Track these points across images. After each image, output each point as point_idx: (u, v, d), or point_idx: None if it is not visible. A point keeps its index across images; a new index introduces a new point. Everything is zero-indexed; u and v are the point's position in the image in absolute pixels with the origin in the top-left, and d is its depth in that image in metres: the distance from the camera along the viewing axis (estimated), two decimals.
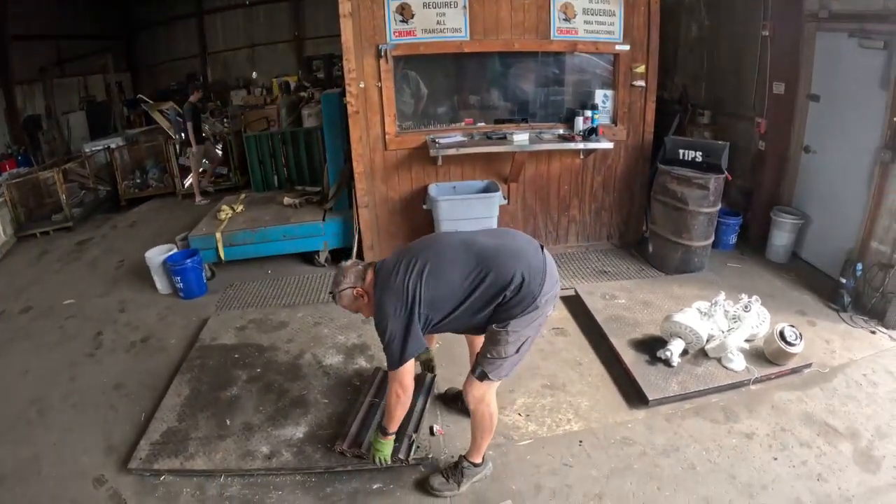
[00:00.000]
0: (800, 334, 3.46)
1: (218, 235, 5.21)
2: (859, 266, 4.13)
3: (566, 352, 3.84)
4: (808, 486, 2.78)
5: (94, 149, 8.16)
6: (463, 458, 2.84)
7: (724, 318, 3.64)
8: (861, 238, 4.22)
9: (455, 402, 3.35)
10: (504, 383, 3.43)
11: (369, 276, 2.60)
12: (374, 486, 2.95)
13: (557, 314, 4.22)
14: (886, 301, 3.99)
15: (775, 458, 2.94)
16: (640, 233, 5.28)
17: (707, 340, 3.52)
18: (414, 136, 4.81)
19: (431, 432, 3.21)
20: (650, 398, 3.26)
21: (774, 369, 3.49)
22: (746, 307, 3.63)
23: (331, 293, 2.71)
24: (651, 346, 3.62)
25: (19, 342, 4.74)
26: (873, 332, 3.95)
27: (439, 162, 4.75)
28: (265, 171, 6.68)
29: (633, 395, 3.39)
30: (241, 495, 3.00)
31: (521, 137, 4.52)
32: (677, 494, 2.76)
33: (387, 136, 4.76)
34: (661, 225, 4.78)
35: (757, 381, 3.42)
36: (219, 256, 5.28)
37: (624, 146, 4.96)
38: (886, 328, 3.96)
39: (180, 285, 5.00)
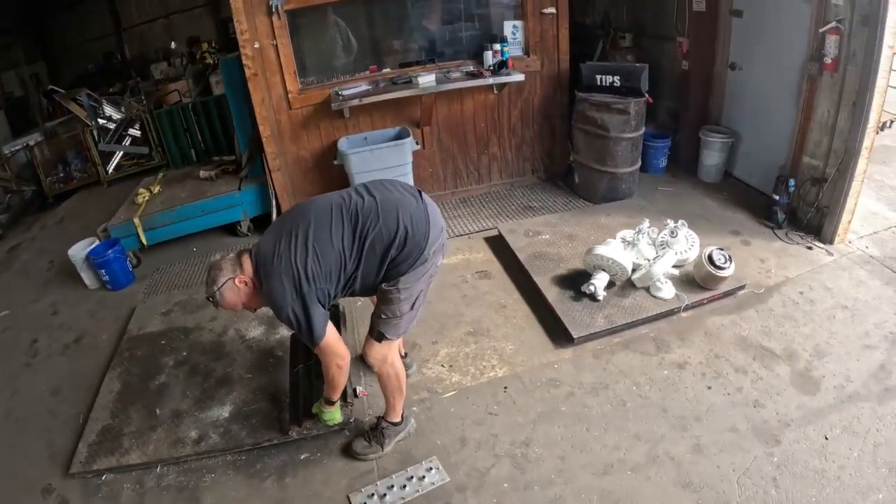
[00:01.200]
0: (729, 256, 3.42)
1: (136, 221, 5.05)
2: (792, 182, 4.10)
3: (490, 295, 3.78)
4: (744, 413, 2.77)
5: (13, 149, 7.77)
6: (381, 419, 2.83)
7: (651, 245, 3.60)
8: (792, 153, 4.19)
9: None
10: (426, 335, 3.45)
11: (246, 262, 2.39)
12: (302, 457, 2.95)
13: (482, 256, 4.18)
14: (822, 215, 3.98)
15: (709, 387, 2.92)
16: (566, 164, 5.17)
17: (633, 270, 3.48)
18: (318, 92, 4.63)
19: (355, 394, 3.15)
20: (575, 336, 3.21)
21: (706, 294, 3.45)
22: (673, 232, 3.57)
23: (209, 297, 2.45)
24: (576, 282, 3.55)
25: None
26: (810, 248, 3.94)
27: (347, 115, 4.60)
28: (181, 145, 6.42)
29: (559, 333, 3.33)
30: (178, 483, 3.01)
31: (426, 79, 4.35)
32: (607, 434, 2.74)
33: (290, 95, 4.58)
34: (584, 154, 4.70)
35: (688, 308, 3.39)
36: (141, 242, 5.14)
37: (539, 77, 4.81)
38: (823, 243, 3.96)
39: (106, 278, 4.88)
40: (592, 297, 3.42)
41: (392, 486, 2.66)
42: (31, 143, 7.59)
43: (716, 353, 3.11)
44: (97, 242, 5.03)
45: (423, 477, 2.67)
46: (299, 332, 2.36)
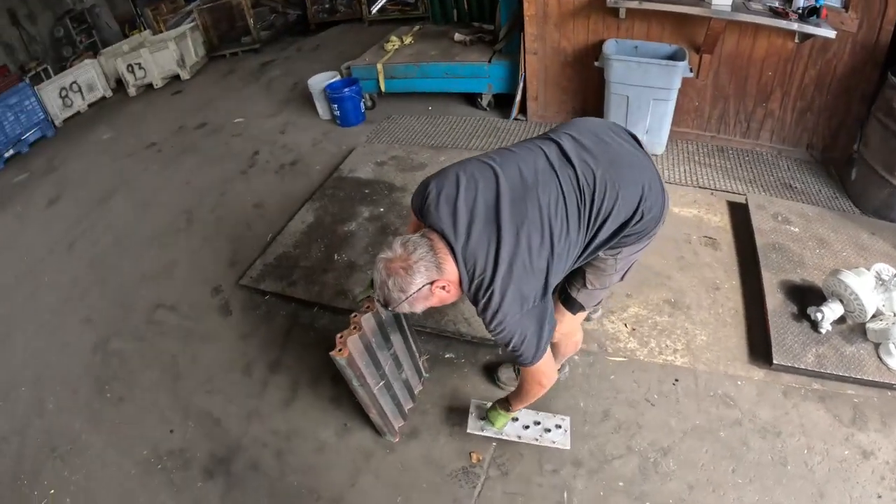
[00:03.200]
0: None
1: (379, 66, 5.11)
2: None
3: (708, 269, 3.23)
4: None
5: None
6: None
7: None
8: None
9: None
10: (623, 285, 2.98)
11: (447, 260, 1.68)
12: (447, 356, 2.91)
13: (717, 220, 3.56)
14: None
15: (880, 496, 2.26)
16: (849, 152, 4.12)
17: (872, 317, 2.74)
18: None
19: None
20: (776, 361, 2.63)
21: None
22: None
23: (386, 305, 1.76)
24: (804, 298, 2.88)
25: (189, 155, 5.24)
26: None
27: (622, 15, 4.05)
28: (445, 3, 6.25)
29: (760, 348, 2.76)
30: (329, 327, 3.16)
31: (722, 1, 3.62)
32: (749, 486, 2.27)
33: None
34: (873, 151, 3.68)
35: None
36: (379, 87, 5.22)
37: (852, 40, 3.76)
38: None
39: (337, 113, 5.11)
40: (815, 325, 2.76)
41: (516, 419, 2.46)
42: None
43: None
44: (338, 78, 5.23)
45: (549, 430, 2.44)
46: (515, 349, 1.75)
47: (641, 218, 1.80)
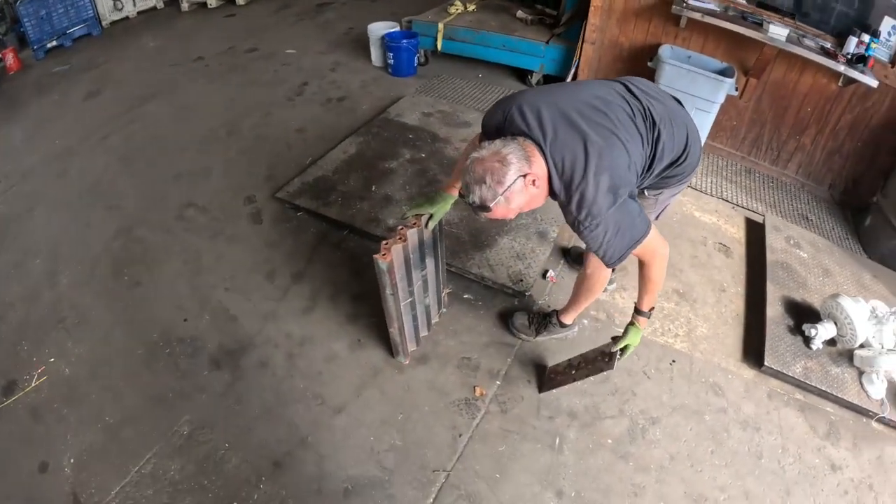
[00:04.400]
0: None
1: (440, 26, 5.21)
2: None
3: (718, 272, 3.41)
4: None
5: None
6: (556, 313, 2.74)
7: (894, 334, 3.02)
8: None
9: (577, 262, 3.16)
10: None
11: (536, 155, 1.75)
12: (465, 296, 3.04)
13: (733, 231, 3.74)
14: None
15: None
16: (868, 200, 4.26)
17: (861, 346, 2.92)
18: None
19: (543, 276, 3.17)
20: (766, 363, 2.80)
21: None
22: None
23: (479, 205, 1.75)
24: (802, 316, 3.06)
25: (237, 74, 5.31)
26: None
27: (682, 24, 4.20)
28: None
29: (753, 350, 2.93)
30: (356, 250, 3.28)
31: (778, 31, 3.78)
32: (724, 470, 2.42)
33: None
34: (891, 202, 3.85)
35: (882, 420, 2.76)
36: (436, 46, 5.34)
37: (892, 95, 3.92)
38: None
39: (391, 62, 5.22)
40: (808, 340, 2.94)
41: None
42: None
43: (872, 483, 2.52)
44: (397, 29, 5.34)
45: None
46: (609, 244, 1.79)
47: (687, 158, 2.02)
